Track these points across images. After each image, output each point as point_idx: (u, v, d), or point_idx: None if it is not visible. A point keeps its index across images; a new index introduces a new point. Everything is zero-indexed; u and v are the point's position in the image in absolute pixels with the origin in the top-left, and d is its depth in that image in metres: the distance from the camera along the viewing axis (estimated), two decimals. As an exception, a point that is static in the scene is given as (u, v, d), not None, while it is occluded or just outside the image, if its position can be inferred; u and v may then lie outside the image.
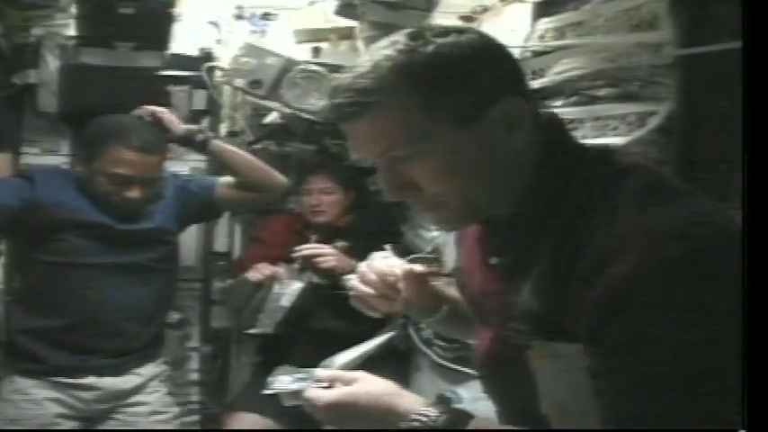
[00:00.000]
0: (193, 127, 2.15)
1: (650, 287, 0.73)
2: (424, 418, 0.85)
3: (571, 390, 0.84)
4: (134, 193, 1.89)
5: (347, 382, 0.91)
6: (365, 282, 1.10)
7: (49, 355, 1.87)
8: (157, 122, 1.99)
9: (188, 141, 2.07)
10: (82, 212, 1.91)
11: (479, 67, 0.86)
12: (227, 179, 2.13)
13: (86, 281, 1.89)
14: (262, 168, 2.12)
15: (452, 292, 1.19)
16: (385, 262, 1.12)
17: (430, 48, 0.84)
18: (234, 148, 2.14)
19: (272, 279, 2.27)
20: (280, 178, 2.16)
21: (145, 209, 1.98)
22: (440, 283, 1.19)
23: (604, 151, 0.92)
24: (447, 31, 0.87)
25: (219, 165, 2.17)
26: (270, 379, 0.96)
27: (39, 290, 1.91)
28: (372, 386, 0.91)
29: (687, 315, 0.71)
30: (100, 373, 1.91)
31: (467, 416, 0.87)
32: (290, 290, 2.27)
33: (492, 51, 0.89)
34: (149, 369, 2.01)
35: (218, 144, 2.11)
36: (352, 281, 1.12)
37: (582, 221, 0.81)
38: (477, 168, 0.87)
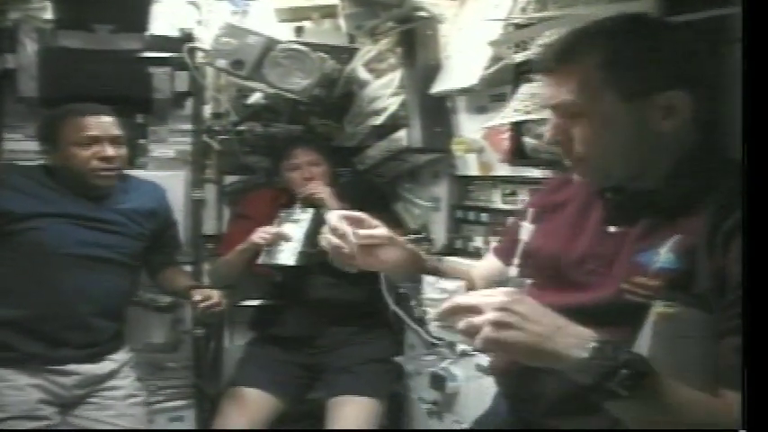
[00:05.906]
0: None
1: None
2: (605, 346, 0.83)
3: (667, 355, 0.91)
4: (110, 151, 1.95)
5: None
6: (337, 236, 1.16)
7: (22, 345, 1.88)
8: None
9: None
10: (58, 207, 1.93)
11: (668, 52, 0.98)
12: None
13: (58, 271, 1.90)
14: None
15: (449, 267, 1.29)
16: (339, 216, 1.17)
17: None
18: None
19: (280, 238, 2.25)
20: None
21: (117, 184, 2.04)
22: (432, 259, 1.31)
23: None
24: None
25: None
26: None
27: (10, 280, 1.90)
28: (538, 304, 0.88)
29: None
30: (77, 360, 1.94)
31: (645, 361, 0.85)
32: (303, 217, 2.28)
33: (686, 43, 1.01)
34: (121, 355, 2.07)
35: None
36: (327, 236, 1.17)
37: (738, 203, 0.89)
38: (622, 142, 1.00)
